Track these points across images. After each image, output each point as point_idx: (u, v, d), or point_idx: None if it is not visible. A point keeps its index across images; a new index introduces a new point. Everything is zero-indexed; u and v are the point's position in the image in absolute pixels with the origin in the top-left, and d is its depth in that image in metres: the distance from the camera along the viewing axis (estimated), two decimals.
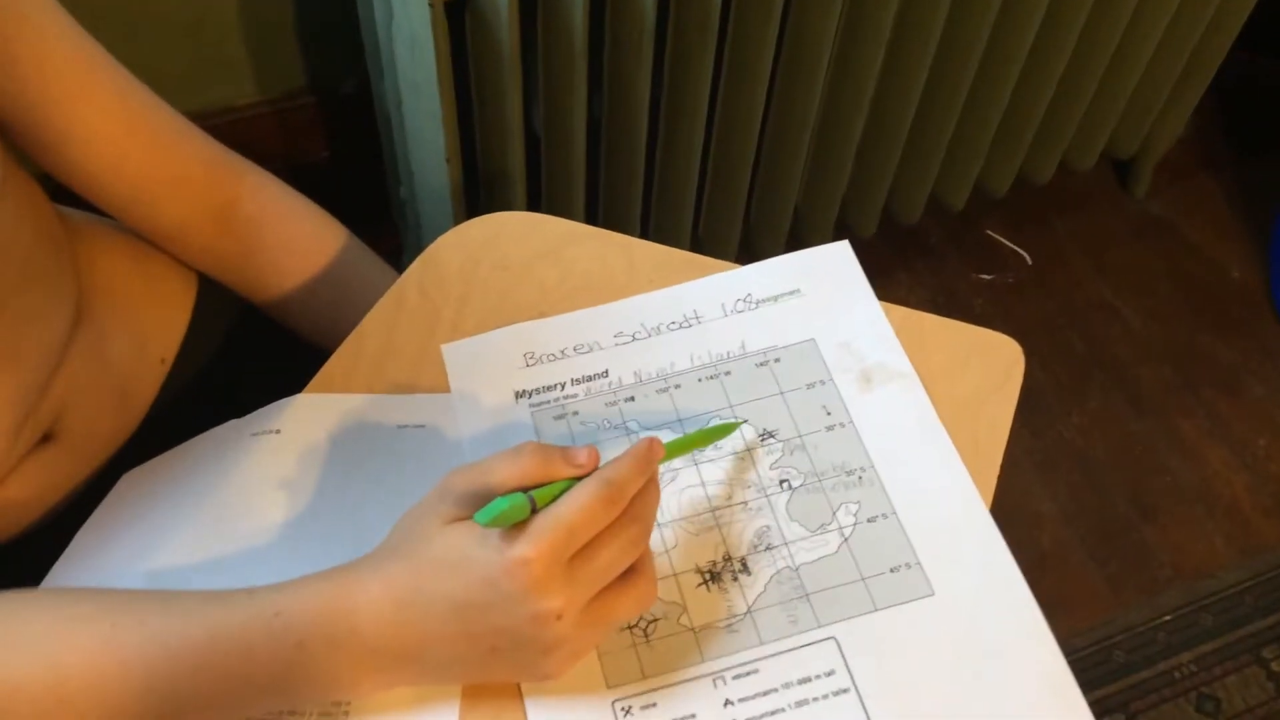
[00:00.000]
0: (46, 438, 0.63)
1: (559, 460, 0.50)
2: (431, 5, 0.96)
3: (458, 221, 1.15)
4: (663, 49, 1.12)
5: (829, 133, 1.31)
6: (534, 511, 0.48)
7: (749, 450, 0.63)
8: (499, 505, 0.47)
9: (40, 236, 0.61)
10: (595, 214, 1.29)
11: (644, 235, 1.34)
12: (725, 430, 0.62)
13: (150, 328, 0.71)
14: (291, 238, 0.75)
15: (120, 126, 0.65)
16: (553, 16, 1.02)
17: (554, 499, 0.49)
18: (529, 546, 0.46)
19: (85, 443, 0.66)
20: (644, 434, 0.63)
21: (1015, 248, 1.66)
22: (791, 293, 0.69)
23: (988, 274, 1.63)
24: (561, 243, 0.72)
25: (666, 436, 0.62)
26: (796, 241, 1.45)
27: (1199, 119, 1.75)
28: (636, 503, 0.51)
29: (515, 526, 0.47)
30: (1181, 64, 1.47)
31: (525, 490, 0.49)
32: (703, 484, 0.62)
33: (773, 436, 0.63)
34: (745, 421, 0.63)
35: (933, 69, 1.27)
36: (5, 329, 0.58)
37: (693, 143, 1.20)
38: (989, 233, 1.67)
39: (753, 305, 0.69)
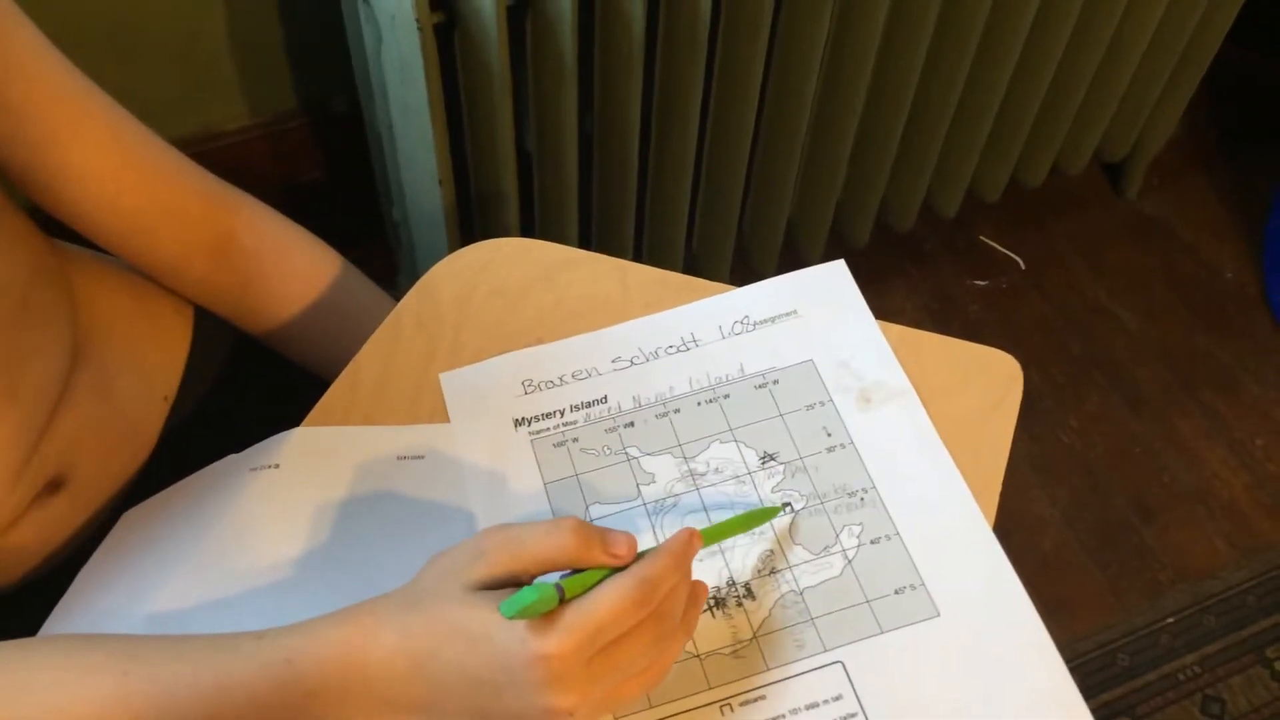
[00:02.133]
0: (57, 485, 0.63)
1: (597, 545, 0.48)
2: (420, 28, 0.96)
3: (451, 242, 1.15)
4: (653, 64, 1.12)
5: (820, 144, 1.31)
6: (562, 601, 0.46)
7: (750, 474, 0.63)
8: (527, 597, 0.44)
9: (35, 273, 0.61)
10: (589, 230, 1.29)
11: (638, 250, 1.34)
12: (766, 515, 0.60)
13: (153, 364, 0.71)
14: (289, 268, 0.75)
15: (114, 162, 0.65)
16: (542, 36, 1.02)
17: (585, 590, 0.47)
18: (553, 643, 0.45)
19: (95, 487, 0.66)
20: (645, 458, 0.63)
21: (1009, 253, 1.66)
22: (789, 314, 0.69)
23: (982, 279, 1.63)
24: (556, 268, 0.72)
25: (700, 523, 0.60)
26: (791, 252, 1.45)
27: (1190, 118, 1.75)
28: (666, 600, 0.48)
29: (542, 616, 0.46)
30: (1172, 63, 1.47)
31: (556, 568, 0.48)
32: (705, 509, 0.61)
33: (773, 459, 0.63)
34: (787, 505, 0.62)
35: (922, 77, 1.27)
36: (1, 367, 0.58)
37: (684, 157, 1.20)
38: (982, 238, 1.67)
39: (750, 327, 0.68)
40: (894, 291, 1.61)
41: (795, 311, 0.69)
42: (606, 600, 0.46)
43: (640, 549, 0.49)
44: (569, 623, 0.45)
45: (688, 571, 0.50)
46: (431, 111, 1.02)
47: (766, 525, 0.61)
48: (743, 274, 1.43)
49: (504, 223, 1.17)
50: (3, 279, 0.57)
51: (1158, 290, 1.65)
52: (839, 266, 0.71)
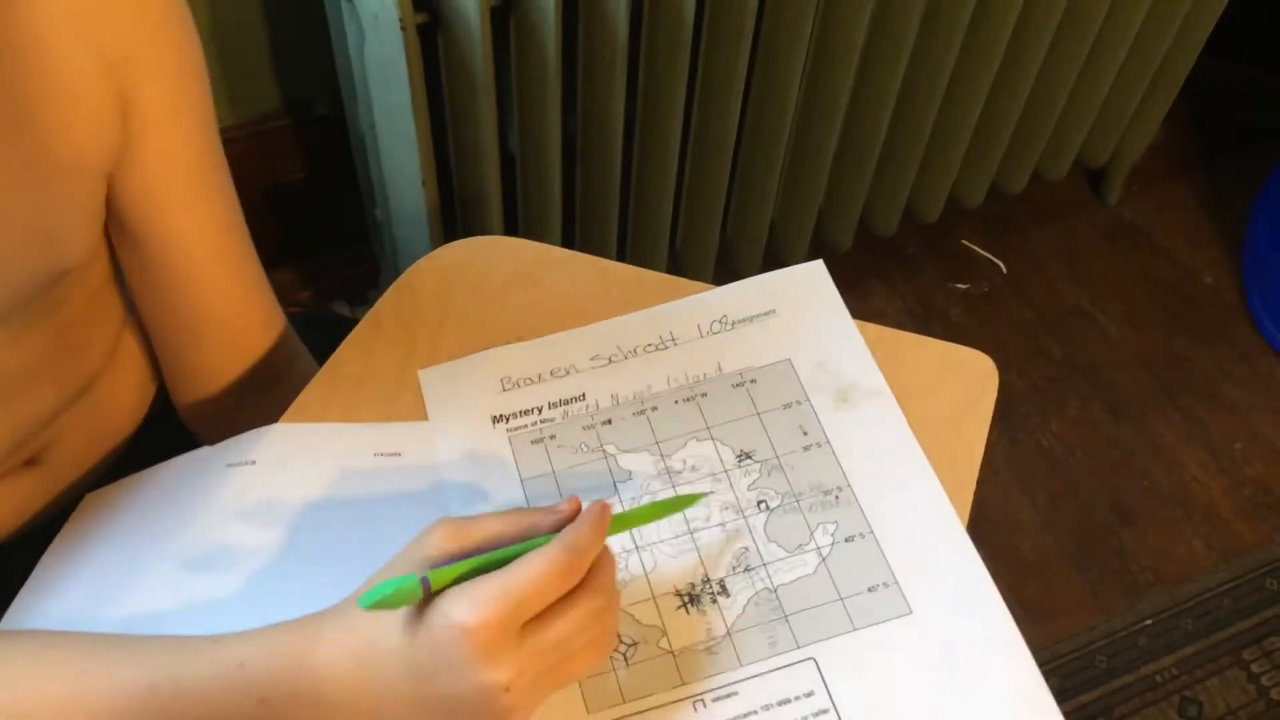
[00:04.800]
0: (32, 463, 0.63)
1: (542, 513, 0.49)
2: (404, 28, 0.96)
3: (434, 244, 1.15)
4: (636, 66, 1.12)
5: (804, 147, 1.32)
6: (428, 594, 0.45)
7: (726, 472, 0.63)
8: (384, 588, 0.44)
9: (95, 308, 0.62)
10: (572, 233, 1.29)
11: (621, 253, 1.35)
12: (689, 501, 0.59)
13: (140, 351, 0.71)
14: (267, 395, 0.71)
15: (209, 250, 0.63)
16: (526, 38, 1.03)
17: (454, 580, 0.46)
18: (471, 614, 0.44)
19: (69, 468, 0.66)
20: (622, 455, 0.64)
21: (990, 257, 1.67)
22: (767, 313, 0.69)
23: (964, 284, 1.64)
24: (537, 266, 0.72)
25: (678, 522, 0.62)
26: (773, 256, 1.45)
27: (1169, 125, 1.77)
28: (595, 573, 0.48)
29: (463, 590, 0.45)
30: (1151, 72, 1.49)
31: (502, 543, 0.48)
32: None
33: (750, 457, 0.64)
34: (711, 493, 0.62)
35: (905, 82, 1.28)
36: (29, 393, 0.59)
37: (667, 159, 1.21)
38: (964, 243, 1.68)
39: (728, 326, 0.69)
40: (876, 295, 1.62)
41: (774, 311, 0.70)
42: (528, 569, 0.45)
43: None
44: (487, 593, 0.44)
45: (606, 545, 0.50)
46: (414, 112, 1.02)
47: (742, 523, 0.61)
48: (725, 276, 1.43)
49: (487, 224, 1.17)
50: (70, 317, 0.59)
51: (1137, 296, 1.66)
52: (817, 266, 0.72)
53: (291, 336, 0.72)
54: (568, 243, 1.29)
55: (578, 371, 0.67)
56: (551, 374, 0.67)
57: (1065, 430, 1.52)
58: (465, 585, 0.45)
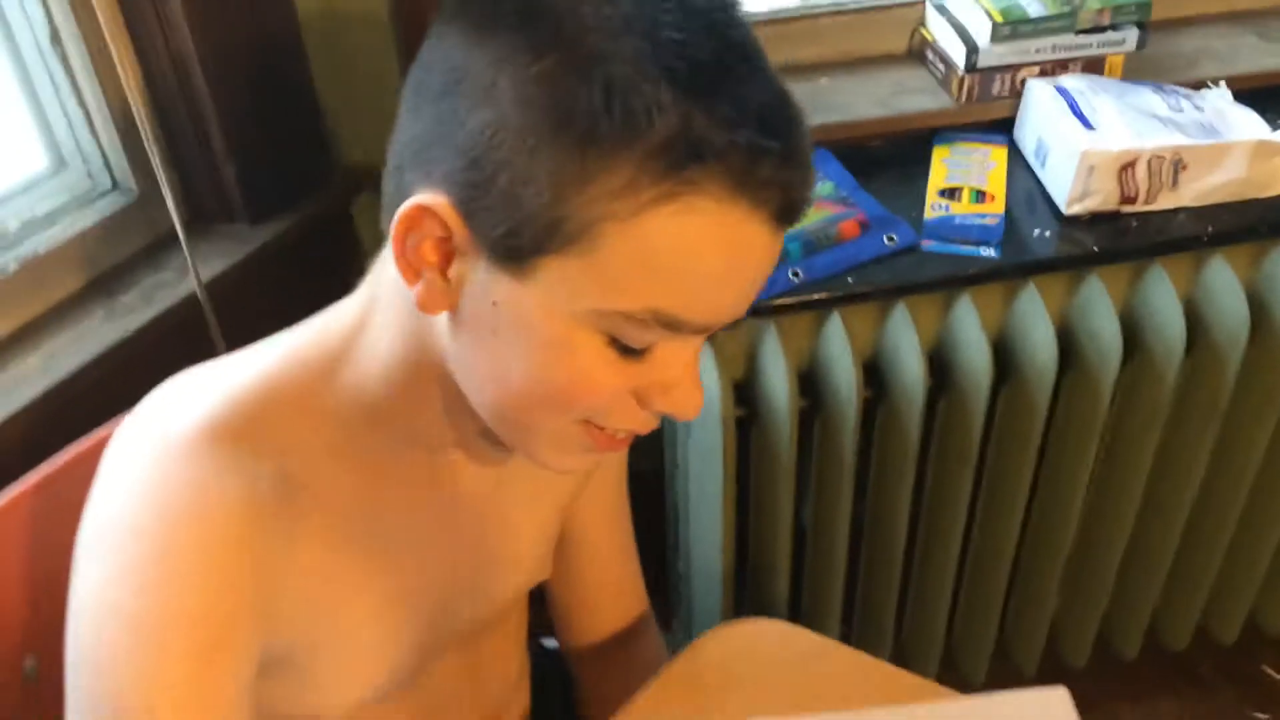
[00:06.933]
0: None
1: None
2: (724, 421, 1.13)
3: (725, 601, 1.27)
4: (924, 471, 1.23)
5: (1084, 557, 1.35)
6: None
7: None
8: None
9: None
10: (852, 606, 1.37)
11: (898, 629, 1.40)
12: None
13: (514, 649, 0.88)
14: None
15: (614, 545, 0.86)
16: (827, 437, 1.17)
17: None
18: None
19: None
20: None
21: None
22: None
23: (1265, 713, 1.54)
24: (812, 656, 0.82)
25: None
26: (1051, 658, 1.45)
27: None
28: None
29: None
30: None
31: None
32: None
33: None
34: None
35: (1197, 499, 1.31)
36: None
37: (948, 556, 1.28)
38: (1265, 669, 1.59)
39: None
40: (1164, 714, 1.55)
41: None
42: None
43: None
44: None
45: None
46: (724, 494, 1.18)
47: None
48: (999, 668, 1.45)
49: (774, 591, 1.28)
50: None
51: None
52: (1061, 696, 0.74)
53: (650, 610, 0.91)
54: (846, 610, 1.37)
55: None
56: None
57: None
58: None
